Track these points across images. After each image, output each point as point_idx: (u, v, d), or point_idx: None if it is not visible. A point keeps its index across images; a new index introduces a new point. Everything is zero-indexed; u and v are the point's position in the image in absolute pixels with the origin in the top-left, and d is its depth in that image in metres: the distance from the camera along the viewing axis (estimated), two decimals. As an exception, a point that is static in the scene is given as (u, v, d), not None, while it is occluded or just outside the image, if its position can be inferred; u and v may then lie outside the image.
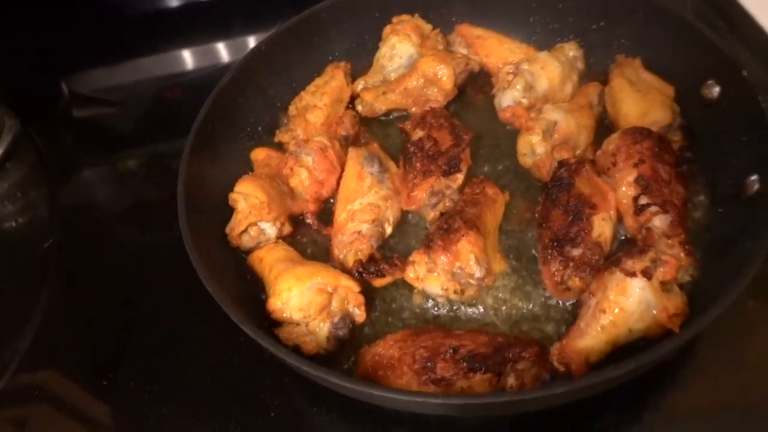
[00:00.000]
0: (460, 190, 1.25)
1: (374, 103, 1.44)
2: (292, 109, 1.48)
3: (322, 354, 1.08)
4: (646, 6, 1.38)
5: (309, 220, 1.31)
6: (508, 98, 1.37)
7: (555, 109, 1.28)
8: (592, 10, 1.47)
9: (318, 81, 1.53)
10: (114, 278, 1.40)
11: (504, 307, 1.13)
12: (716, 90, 1.25)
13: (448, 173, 1.23)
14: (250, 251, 1.24)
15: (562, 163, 1.22)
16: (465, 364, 0.98)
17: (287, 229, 1.27)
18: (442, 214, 1.22)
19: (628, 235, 1.17)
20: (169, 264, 1.23)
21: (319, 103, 1.46)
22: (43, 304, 1.39)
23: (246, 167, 1.39)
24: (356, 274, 1.08)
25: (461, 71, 1.43)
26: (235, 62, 1.44)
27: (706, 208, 1.20)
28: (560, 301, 1.12)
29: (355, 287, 1.10)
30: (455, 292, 1.08)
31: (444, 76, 1.40)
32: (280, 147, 1.43)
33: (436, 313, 1.14)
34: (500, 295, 1.14)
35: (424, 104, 1.41)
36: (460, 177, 1.24)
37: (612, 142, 1.20)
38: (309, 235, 1.31)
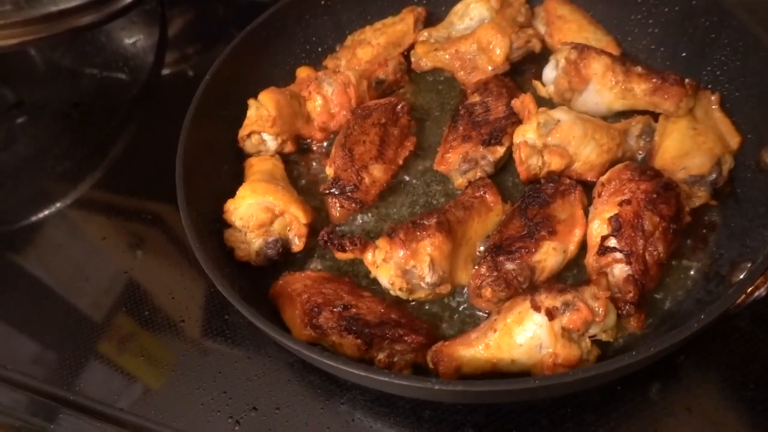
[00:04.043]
0: (498, 163, 1.21)
1: (423, 57, 1.42)
2: (348, 39, 1.51)
3: (250, 264, 1.18)
4: (753, 42, 1.16)
5: (314, 147, 1.38)
6: (550, 76, 1.28)
7: (566, 110, 1.17)
8: (696, 25, 1.26)
9: (387, 20, 1.53)
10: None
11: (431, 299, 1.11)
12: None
13: (488, 143, 1.19)
14: (249, 155, 1.35)
15: (553, 178, 1.13)
16: (344, 323, 1.01)
17: (290, 147, 1.35)
18: (470, 182, 1.21)
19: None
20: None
21: (374, 41, 1.47)
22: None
23: (290, 79, 1.47)
24: (321, 241, 1.10)
25: (519, 47, 1.34)
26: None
27: (692, 277, 1.06)
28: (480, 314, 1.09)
29: (302, 218, 1.16)
30: (401, 289, 1.06)
31: (497, 47, 1.33)
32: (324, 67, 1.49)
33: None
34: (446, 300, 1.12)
35: (471, 71, 1.36)
36: (500, 150, 1.20)
37: (610, 171, 1.08)
38: (308, 160, 1.37)
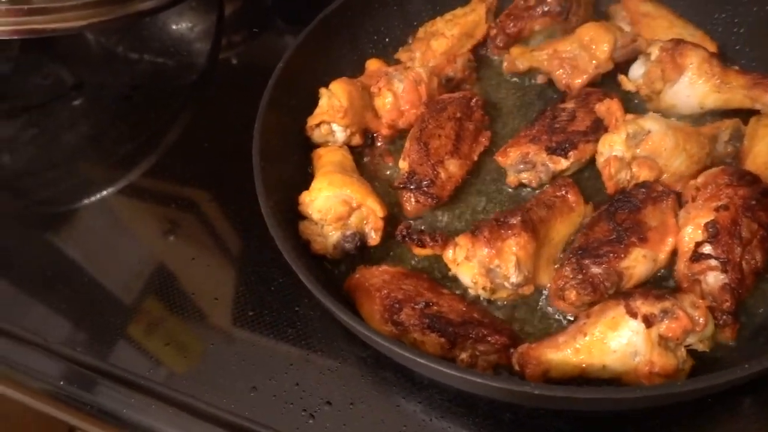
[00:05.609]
0: (556, 175, 1.19)
1: (518, 58, 1.38)
2: (420, 32, 1.48)
3: (326, 257, 1.16)
4: None
5: (378, 143, 1.35)
6: (638, 71, 1.26)
7: (657, 119, 1.13)
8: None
9: (458, 10, 1.50)
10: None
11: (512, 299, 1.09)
12: None
13: (553, 151, 1.17)
14: (318, 146, 1.33)
15: (645, 184, 1.09)
16: (427, 320, 0.99)
17: (357, 139, 1.33)
18: (522, 184, 1.20)
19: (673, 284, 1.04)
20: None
21: (447, 32, 1.44)
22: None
23: (357, 71, 1.45)
24: (399, 236, 1.09)
25: (623, 46, 1.29)
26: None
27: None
28: (561, 317, 1.06)
29: (379, 211, 1.14)
30: (484, 288, 1.04)
31: (603, 43, 1.28)
32: (398, 64, 1.46)
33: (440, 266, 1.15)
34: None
35: (572, 72, 1.32)
36: (563, 163, 1.17)
37: (705, 175, 1.04)
38: (372, 155, 1.35)
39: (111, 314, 1.24)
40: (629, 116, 1.14)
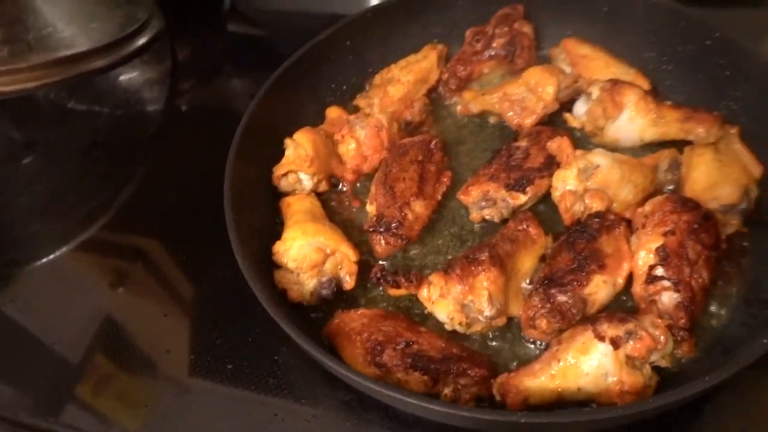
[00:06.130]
0: (516, 209, 1.26)
1: (471, 101, 1.47)
2: (377, 78, 1.55)
3: (302, 304, 1.19)
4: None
5: (344, 187, 1.40)
6: (581, 109, 1.36)
7: (604, 154, 1.22)
8: (711, 63, 1.34)
9: (411, 57, 1.58)
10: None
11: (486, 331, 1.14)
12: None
13: (512, 188, 1.24)
14: (285, 194, 1.36)
15: (598, 214, 1.17)
16: (409, 360, 1.03)
17: (323, 186, 1.37)
18: (484, 219, 1.27)
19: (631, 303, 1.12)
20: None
21: (403, 78, 1.51)
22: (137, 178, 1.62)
23: (318, 118, 1.50)
24: (374, 279, 1.12)
25: (566, 86, 1.39)
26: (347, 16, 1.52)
27: (733, 301, 1.12)
28: (535, 345, 1.12)
29: (352, 256, 1.18)
30: (460, 323, 1.08)
31: (548, 86, 1.38)
32: (357, 110, 1.52)
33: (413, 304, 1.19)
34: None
35: (521, 113, 1.41)
36: (521, 198, 1.24)
37: (651, 203, 1.14)
38: (339, 199, 1.39)
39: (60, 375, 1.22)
40: (578, 152, 1.23)
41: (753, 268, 1.15)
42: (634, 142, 1.33)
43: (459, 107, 1.51)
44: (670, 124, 1.28)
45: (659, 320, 0.98)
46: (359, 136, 1.37)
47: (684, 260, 1.06)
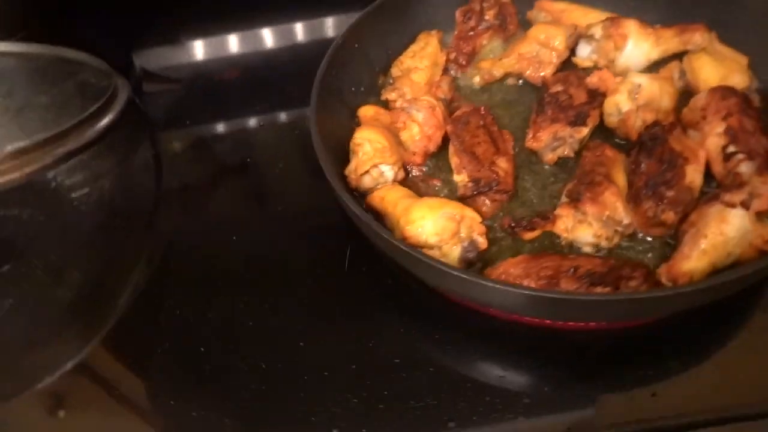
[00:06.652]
0: (582, 142, 1.39)
1: (492, 69, 1.59)
2: (395, 71, 1.62)
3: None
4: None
5: (415, 172, 1.45)
6: (585, 50, 1.55)
7: (638, 74, 1.42)
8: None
9: (414, 47, 1.67)
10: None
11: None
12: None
13: (574, 124, 1.38)
14: (367, 192, 1.38)
15: (655, 124, 1.35)
16: (586, 280, 1.12)
17: (401, 174, 1.40)
18: (559, 158, 1.38)
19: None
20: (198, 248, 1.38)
21: (420, 65, 1.60)
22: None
23: (353, 123, 1.53)
24: (509, 230, 1.20)
25: (570, 35, 1.57)
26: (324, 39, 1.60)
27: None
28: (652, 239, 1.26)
29: (477, 218, 1.24)
30: (607, 238, 1.20)
31: (558, 38, 1.55)
32: (386, 105, 1.57)
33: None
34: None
35: (539, 66, 1.56)
36: (584, 130, 1.38)
37: (701, 99, 1.34)
38: (420, 183, 1.44)
39: None
40: (618, 78, 1.42)
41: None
42: (642, 64, 1.54)
43: (477, 78, 1.63)
44: (669, 40, 1.51)
45: (762, 177, 1.17)
46: (418, 119, 1.44)
47: (747, 134, 1.28)
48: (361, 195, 1.39)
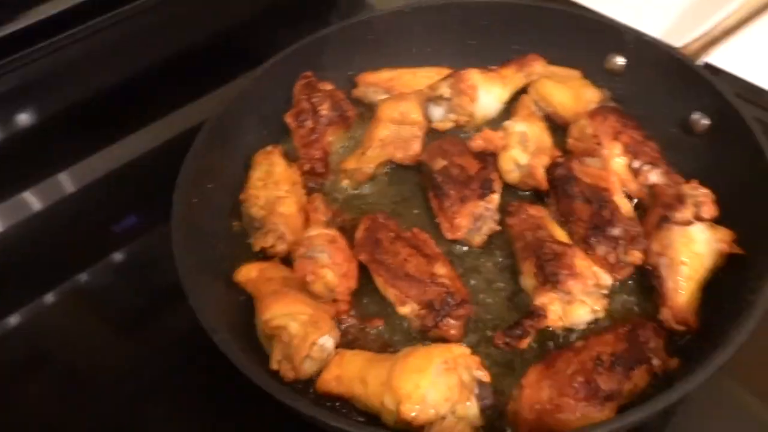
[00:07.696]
0: (498, 210, 1.26)
1: (359, 167, 1.37)
2: (256, 211, 1.30)
3: (478, 435, 0.98)
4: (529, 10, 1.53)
5: (349, 321, 1.18)
6: (437, 114, 1.45)
7: (516, 122, 1.35)
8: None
9: (258, 174, 1.38)
10: None
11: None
12: (620, 60, 1.45)
13: (484, 195, 1.24)
14: (312, 378, 1.07)
15: (555, 164, 1.28)
16: (620, 368, 0.98)
17: (337, 334, 1.12)
18: (489, 236, 1.24)
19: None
20: None
21: (279, 192, 1.32)
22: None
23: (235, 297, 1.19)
24: (505, 346, 1.02)
25: (421, 101, 1.42)
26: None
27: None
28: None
29: (467, 350, 1.02)
30: (604, 308, 1.09)
31: (413, 113, 1.40)
32: (264, 258, 1.26)
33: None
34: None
35: (405, 146, 1.39)
36: (496, 197, 1.26)
37: (587, 127, 1.31)
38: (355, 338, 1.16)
39: None
40: (498, 133, 1.32)
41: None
42: (498, 109, 1.48)
43: (346, 182, 1.41)
44: (513, 77, 1.47)
45: (694, 183, 1.16)
46: (325, 261, 1.16)
47: (640, 144, 1.28)
48: (303, 385, 1.07)
